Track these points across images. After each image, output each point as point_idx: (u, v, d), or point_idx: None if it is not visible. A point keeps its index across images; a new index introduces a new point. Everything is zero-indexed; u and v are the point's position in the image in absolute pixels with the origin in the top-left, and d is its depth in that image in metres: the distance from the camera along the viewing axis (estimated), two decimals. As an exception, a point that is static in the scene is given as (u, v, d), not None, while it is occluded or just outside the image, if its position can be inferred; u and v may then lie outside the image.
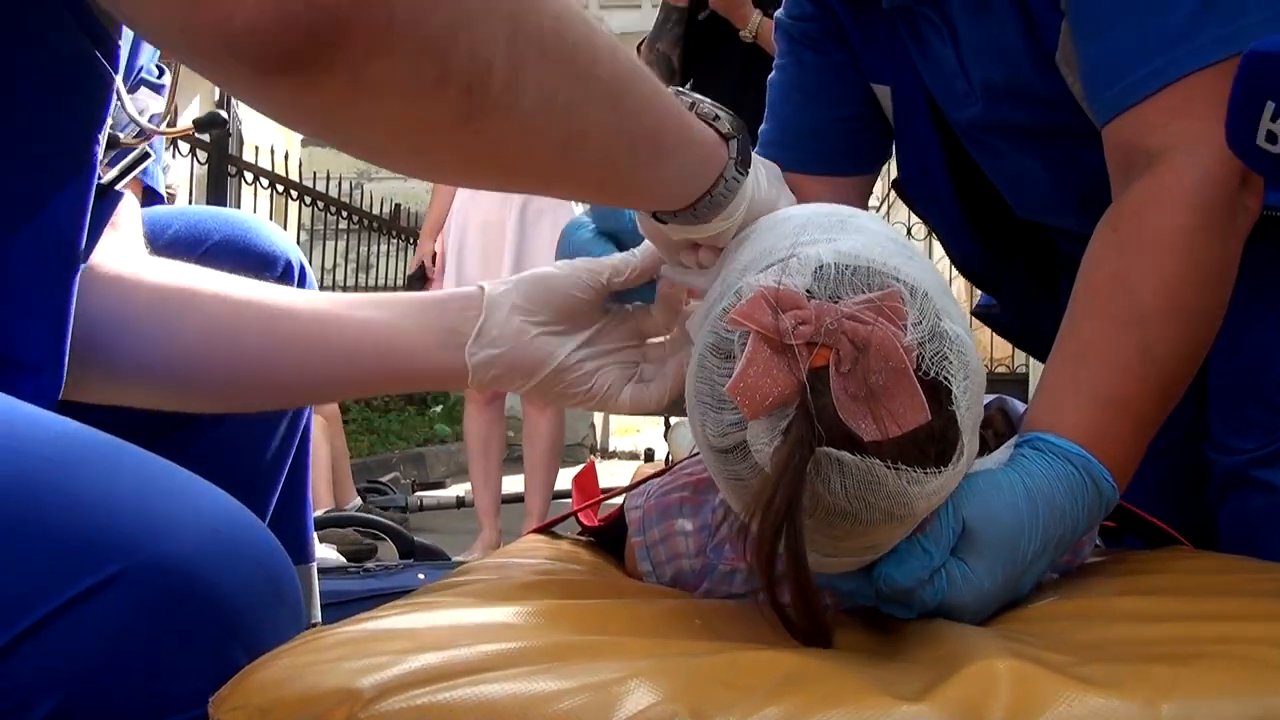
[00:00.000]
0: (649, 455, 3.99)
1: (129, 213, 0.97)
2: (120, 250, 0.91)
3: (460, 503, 4.44)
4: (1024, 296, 1.48)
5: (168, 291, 0.88)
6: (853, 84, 1.32)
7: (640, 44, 3.44)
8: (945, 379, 0.65)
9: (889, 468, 0.64)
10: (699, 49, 3.32)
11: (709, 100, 0.79)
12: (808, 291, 0.66)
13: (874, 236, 0.72)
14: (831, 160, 1.32)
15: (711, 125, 0.77)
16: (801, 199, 0.89)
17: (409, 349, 0.86)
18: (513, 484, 3.83)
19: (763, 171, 0.83)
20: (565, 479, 4.03)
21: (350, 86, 0.52)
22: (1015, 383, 6.87)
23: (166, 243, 1.04)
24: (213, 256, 1.04)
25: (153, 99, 1.03)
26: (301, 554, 1.17)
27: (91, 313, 0.84)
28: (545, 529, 1.11)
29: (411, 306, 0.88)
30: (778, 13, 1.39)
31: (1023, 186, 1.30)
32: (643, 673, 0.53)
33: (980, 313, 1.57)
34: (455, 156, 0.63)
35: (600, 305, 0.90)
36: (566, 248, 1.03)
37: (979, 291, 1.58)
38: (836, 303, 0.65)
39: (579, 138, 0.65)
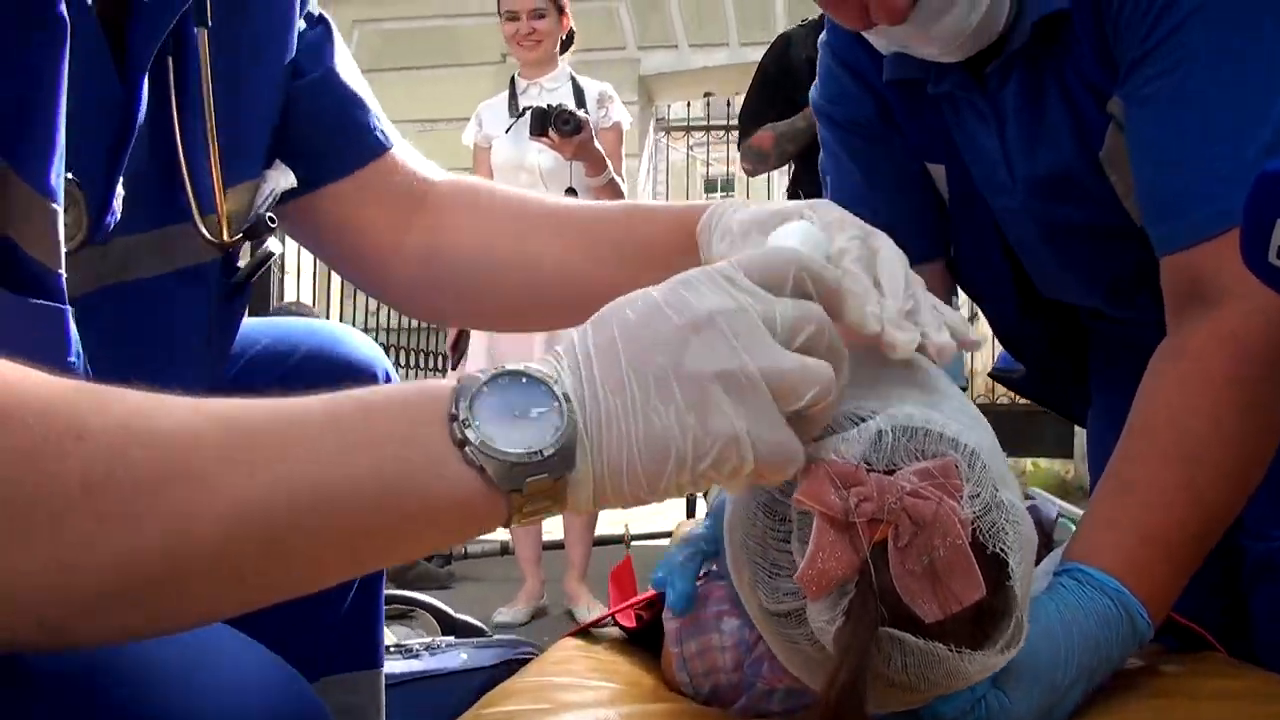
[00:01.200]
0: (690, 502, 4.03)
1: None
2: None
3: (504, 549, 4.43)
4: (1049, 361, 1.48)
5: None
6: (906, 166, 1.31)
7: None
8: (1002, 551, 0.65)
9: (950, 651, 0.64)
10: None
11: (492, 443, 0.54)
12: (865, 462, 0.65)
13: (929, 393, 0.71)
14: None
15: (482, 475, 0.54)
16: None
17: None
18: (553, 524, 3.82)
19: None
20: (605, 523, 4.03)
21: None
22: (1059, 421, 6.78)
23: (256, 354, 1.06)
24: (302, 368, 1.06)
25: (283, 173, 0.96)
26: (372, 659, 1.15)
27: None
28: (581, 632, 1.11)
29: None
30: (812, 94, 1.36)
31: (1053, 272, 1.30)
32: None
33: (999, 375, 1.57)
34: None
35: None
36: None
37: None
38: (893, 472, 0.64)
39: (198, 620, 0.55)
